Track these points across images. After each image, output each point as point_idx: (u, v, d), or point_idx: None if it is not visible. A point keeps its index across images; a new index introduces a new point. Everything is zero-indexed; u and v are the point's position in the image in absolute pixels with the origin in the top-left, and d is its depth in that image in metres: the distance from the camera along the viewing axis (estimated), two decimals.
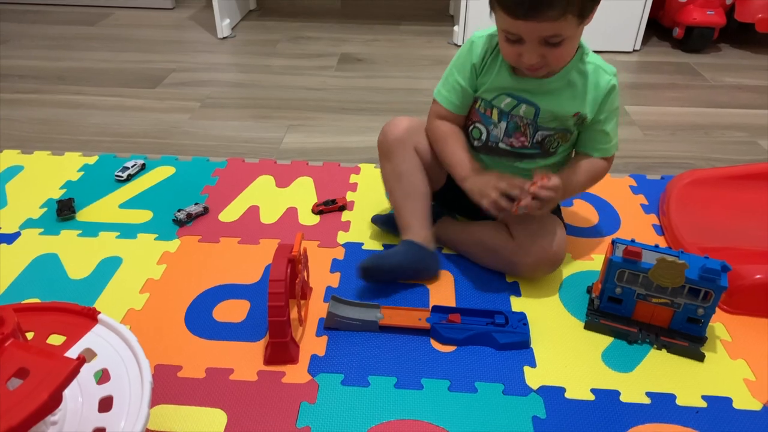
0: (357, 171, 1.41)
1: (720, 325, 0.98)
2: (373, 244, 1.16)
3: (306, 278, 0.99)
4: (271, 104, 1.79)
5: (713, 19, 2.15)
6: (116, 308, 0.99)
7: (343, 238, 1.18)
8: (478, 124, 1.05)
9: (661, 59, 2.20)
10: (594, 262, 1.13)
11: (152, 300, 1.02)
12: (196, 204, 1.24)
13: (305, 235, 1.16)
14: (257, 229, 1.20)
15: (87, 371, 0.68)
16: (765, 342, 0.96)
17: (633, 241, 0.95)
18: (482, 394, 0.86)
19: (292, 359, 0.90)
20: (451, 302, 1.02)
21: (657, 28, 2.39)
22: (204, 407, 0.83)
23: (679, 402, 0.86)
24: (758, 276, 0.99)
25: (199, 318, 0.98)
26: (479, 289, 1.05)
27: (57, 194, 1.30)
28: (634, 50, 2.24)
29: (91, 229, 1.19)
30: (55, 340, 0.71)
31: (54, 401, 0.56)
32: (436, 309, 0.97)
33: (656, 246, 0.95)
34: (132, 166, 1.38)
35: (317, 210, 1.25)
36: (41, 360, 0.59)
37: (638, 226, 1.23)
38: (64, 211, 1.22)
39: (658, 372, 0.90)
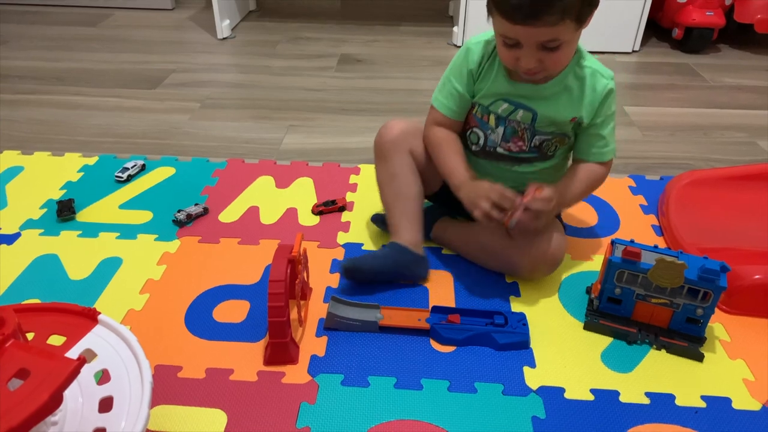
0: (357, 171, 1.41)
1: (719, 326, 0.99)
2: (372, 245, 1.16)
3: (306, 279, 0.99)
4: (270, 105, 1.79)
5: (712, 19, 2.15)
6: (116, 309, 0.99)
7: (342, 238, 1.18)
8: (475, 129, 1.05)
9: (660, 60, 2.20)
10: (593, 262, 1.13)
11: (152, 300, 1.02)
12: (196, 204, 1.24)
13: (305, 235, 1.16)
14: (257, 229, 1.20)
15: (87, 372, 0.68)
16: (764, 342, 0.96)
17: (632, 241, 0.95)
18: (482, 394, 0.86)
19: (292, 360, 0.90)
20: (451, 303, 1.02)
21: (656, 29, 2.38)
22: (204, 407, 0.83)
23: (678, 402, 0.86)
24: (757, 276, 0.99)
25: (199, 318, 0.98)
26: (479, 289, 1.05)
27: (57, 195, 1.30)
28: (634, 51, 2.24)
29: (91, 230, 1.19)
30: (56, 340, 0.71)
31: (54, 402, 0.56)
32: (436, 309, 0.97)
33: (655, 246, 0.96)
34: (132, 167, 1.38)
35: (317, 210, 1.25)
36: (42, 360, 0.59)
37: (637, 226, 1.23)
38: (64, 211, 1.22)
39: (658, 372, 0.90)
